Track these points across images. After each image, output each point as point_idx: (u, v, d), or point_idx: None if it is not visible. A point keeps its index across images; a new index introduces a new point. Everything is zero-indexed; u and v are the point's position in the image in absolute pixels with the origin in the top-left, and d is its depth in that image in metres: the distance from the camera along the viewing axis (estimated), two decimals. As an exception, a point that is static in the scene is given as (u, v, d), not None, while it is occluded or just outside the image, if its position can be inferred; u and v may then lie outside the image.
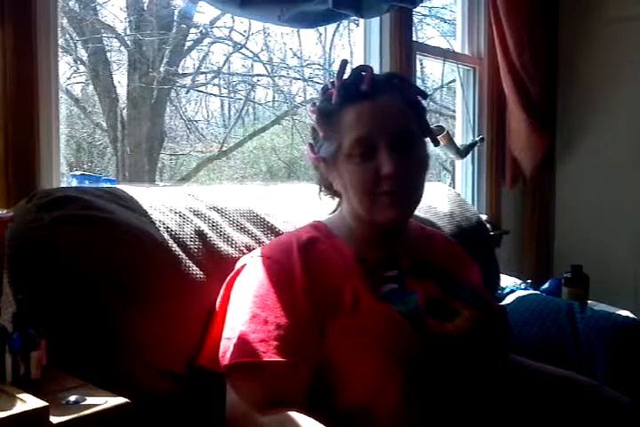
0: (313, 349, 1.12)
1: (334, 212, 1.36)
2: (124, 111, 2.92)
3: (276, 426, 1.04)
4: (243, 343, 1.10)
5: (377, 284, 1.21)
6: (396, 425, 1.11)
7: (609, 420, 1.30)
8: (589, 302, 2.10)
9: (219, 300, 1.24)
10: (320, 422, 1.02)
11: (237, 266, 1.27)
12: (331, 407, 1.13)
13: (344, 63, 1.29)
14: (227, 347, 1.12)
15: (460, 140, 2.80)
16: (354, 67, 1.32)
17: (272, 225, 1.45)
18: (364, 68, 1.28)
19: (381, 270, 1.25)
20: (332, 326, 1.14)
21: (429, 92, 3.67)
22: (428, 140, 1.35)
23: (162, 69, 2.97)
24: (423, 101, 1.33)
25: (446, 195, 2.00)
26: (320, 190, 1.35)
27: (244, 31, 3.26)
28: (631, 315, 2.01)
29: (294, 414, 1.03)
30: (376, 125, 1.21)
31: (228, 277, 1.26)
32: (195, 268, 1.26)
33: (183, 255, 1.26)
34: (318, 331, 1.13)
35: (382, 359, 1.11)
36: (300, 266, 1.18)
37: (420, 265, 1.30)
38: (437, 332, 1.16)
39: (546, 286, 2.27)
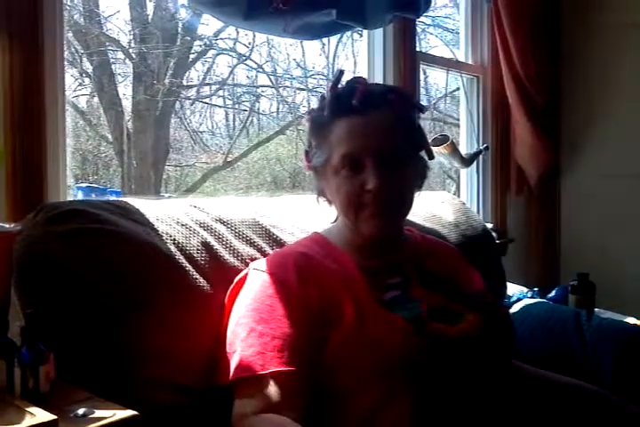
0: (313, 356, 1.13)
1: (334, 222, 1.37)
2: (130, 123, 2.93)
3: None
4: (241, 359, 1.12)
5: (380, 291, 1.22)
6: None
7: (616, 428, 1.30)
8: (596, 309, 2.09)
9: (225, 312, 1.25)
10: None
11: (239, 276, 1.29)
12: (342, 416, 1.13)
13: (339, 73, 1.29)
14: (227, 363, 1.15)
15: (464, 149, 2.80)
16: (351, 77, 1.32)
17: (277, 237, 1.46)
18: (359, 79, 1.29)
19: (384, 278, 1.25)
20: (334, 335, 1.14)
21: (433, 101, 3.68)
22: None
23: (166, 81, 2.98)
24: (421, 114, 1.33)
25: (451, 203, 2.00)
26: (318, 196, 1.36)
27: (249, 43, 3.28)
28: (638, 323, 2.01)
29: (275, 417, 1.06)
30: (364, 142, 1.22)
31: (230, 288, 1.28)
32: (202, 280, 1.27)
33: (190, 267, 1.27)
34: (317, 340, 1.14)
35: (388, 365, 1.11)
36: (295, 278, 1.20)
37: (423, 272, 1.31)
38: (441, 336, 1.17)
39: (552, 294, 2.27)
